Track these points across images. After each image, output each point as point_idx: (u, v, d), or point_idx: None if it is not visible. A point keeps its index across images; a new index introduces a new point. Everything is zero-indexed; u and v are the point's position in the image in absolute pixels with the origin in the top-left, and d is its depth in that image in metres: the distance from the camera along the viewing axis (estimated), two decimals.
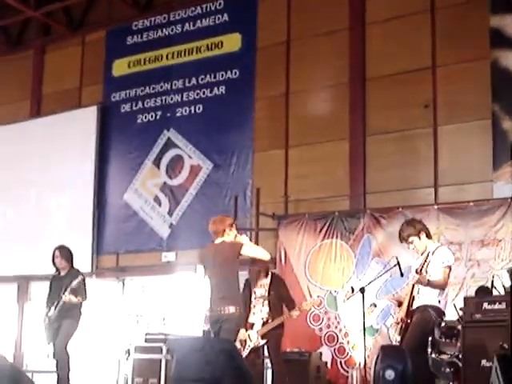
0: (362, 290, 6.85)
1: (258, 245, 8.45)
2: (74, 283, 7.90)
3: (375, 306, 9.29)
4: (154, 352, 8.98)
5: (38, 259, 11.50)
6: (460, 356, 6.52)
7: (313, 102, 11.20)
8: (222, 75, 11.99)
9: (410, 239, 6.75)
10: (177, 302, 11.82)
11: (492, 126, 9.60)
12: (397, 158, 10.29)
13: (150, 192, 12.45)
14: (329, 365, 9.47)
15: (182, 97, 12.36)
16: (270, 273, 8.25)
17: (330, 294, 9.89)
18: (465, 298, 6.86)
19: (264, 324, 7.97)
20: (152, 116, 12.65)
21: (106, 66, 13.40)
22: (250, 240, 7.69)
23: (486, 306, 6.32)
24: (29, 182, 13.42)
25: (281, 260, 10.25)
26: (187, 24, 12.55)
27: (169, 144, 12.37)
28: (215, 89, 12.03)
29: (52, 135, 13.39)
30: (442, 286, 6.57)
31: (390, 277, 8.73)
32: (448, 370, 6.82)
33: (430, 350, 6.63)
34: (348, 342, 9.64)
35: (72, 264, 8.35)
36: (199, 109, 12.16)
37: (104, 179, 12.92)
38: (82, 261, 11.33)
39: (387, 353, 6.02)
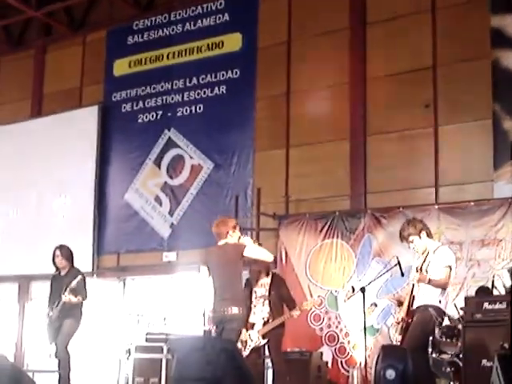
0: (363, 290, 6.86)
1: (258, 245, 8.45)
2: (74, 283, 7.90)
3: (376, 305, 9.29)
4: (154, 351, 8.98)
5: (39, 259, 11.50)
6: (460, 356, 6.52)
7: (313, 101, 11.20)
8: (223, 75, 11.99)
9: (411, 238, 6.75)
10: (178, 302, 11.83)
11: (492, 125, 9.61)
12: (397, 158, 10.30)
13: (150, 192, 12.45)
14: (329, 364, 9.48)
15: (182, 96, 12.36)
16: (270, 272, 8.26)
17: (331, 293, 9.89)
18: (465, 298, 6.86)
19: (265, 324, 7.98)
20: (153, 116, 12.66)
21: (106, 65, 13.41)
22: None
23: (486, 305, 6.32)
24: (29, 181, 13.42)
25: (281, 260, 10.26)
26: (188, 24, 12.56)
27: (169, 144, 12.38)
28: (216, 88, 12.03)
29: (53, 135, 13.40)
30: (443, 286, 6.57)
31: (390, 276, 8.73)
32: (449, 369, 6.83)
33: (430, 349, 6.63)
34: (349, 342, 9.64)
35: (72, 263, 8.35)
36: (200, 108, 12.17)
37: (105, 179, 12.92)
38: (83, 260, 11.34)
39: (388, 352, 6.02)
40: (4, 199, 13.76)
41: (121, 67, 13.22)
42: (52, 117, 13.64)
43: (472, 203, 9.15)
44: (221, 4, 12.24)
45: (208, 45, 12.24)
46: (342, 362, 9.65)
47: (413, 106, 10.28)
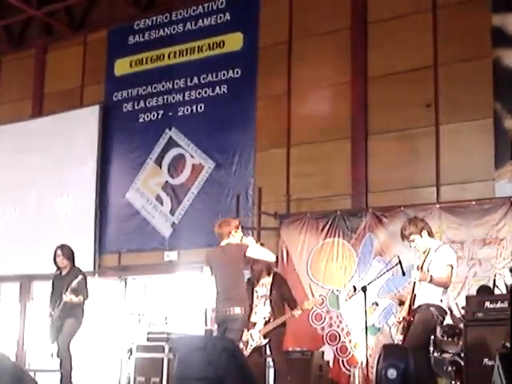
0: (364, 289, 6.87)
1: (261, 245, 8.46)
2: (74, 283, 7.90)
3: (377, 304, 9.27)
4: (156, 351, 8.98)
5: (40, 258, 11.52)
6: (462, 355, 6.53)
7: (314, 101, 11.19)
8: (224, 74, 12.00)
9: (412, 237, 6.76)
10: (179, 301, 11.84)
11: (494, 124, 9.60)
12: (398, 157, 10.30)
13: (151, 191, 12.46)
14: (331, 364, 9.48)
15: (183, 96, 12.37)
16: (271, 272, 8.26)
17: (332, 292, 9.89)
18: (467, 297, 6.86)
19: (266, 323, 7.98)
20: (154, 115, 12.66)
21: (107, 65, 13.41)
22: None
23: (487, 304, 6.32)
24: (30, 181, 13.42)
25: (283, 259, 10.26)
26: (189, 23, 12.56)
27: (171, 143, 12.38)
28: (217, 88, 12.03)
29: (54, 135, 13.40)
30: (444, 285, 6.57)
31: (391, 276, 8.72)
32: (450, 368, 6.84)
33: (432, 348, 6.64)
34: (350, 341, 9.64)
35: (73, 263, 8.36)
36: (201, 108, 12.17)
37: (106, 178, 12.93)
38: (85, 260, 11.38)
39: (389, 352, 6.02)
40: (5, 199, 13.77)
41: (122, 67, 13.23)
42: (53, 116, 13.65)
43: (473, 202, 9.15)
44: (222, 3, 12.24)
45: (209, 44, 12.24)
46: (343, 361, 9.65)
47: (414, 106, 10.28)
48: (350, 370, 9.50)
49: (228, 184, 11.65)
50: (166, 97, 12.57)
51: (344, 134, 10.79)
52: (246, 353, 7.75)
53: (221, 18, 12.22)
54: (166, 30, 12.82)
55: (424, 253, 6.70)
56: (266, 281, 8.17)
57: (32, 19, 14.22)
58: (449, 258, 6.66)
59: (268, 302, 8.07)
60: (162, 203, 12.31)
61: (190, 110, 12.26)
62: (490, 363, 5.89)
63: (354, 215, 10.01)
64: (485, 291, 7.92)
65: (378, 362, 5.94)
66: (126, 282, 12.66)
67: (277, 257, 9.86)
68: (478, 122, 9.79)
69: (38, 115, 14.08)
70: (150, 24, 13.02)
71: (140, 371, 9.05)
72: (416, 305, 6.59)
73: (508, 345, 5.57)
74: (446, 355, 7.10)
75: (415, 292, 6.61)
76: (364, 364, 8.49)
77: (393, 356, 5.91)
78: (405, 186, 10.12)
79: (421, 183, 10.08)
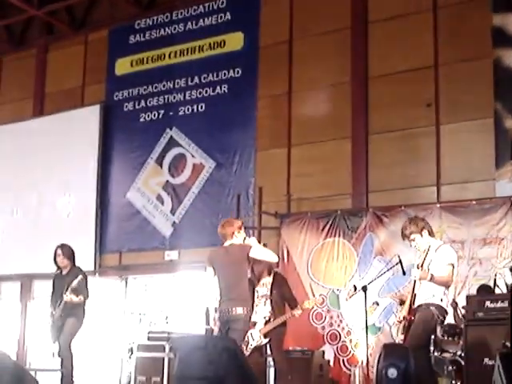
0: (365, 289, 6.87)
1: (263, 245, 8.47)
2: (75, 283, 7.90)
3: (377, 304, 9.29)
4: (156, 350, 8.99)
5: (41, 258, 11.52)
6: (462, 354, 6.53)
7: (315, 100, 11.20)
8: (225, 74, 12.00)
9: (412, 237, 6.76)
10: (179, 301, 11.84)
11: (494, 124, 9.61)
12: (399, 157, 10.30)
13: (152, 191, 12.47)
14: (331, 363, 9.49)
15: (184, 96, 12.37)
16: (272, 272, 8.28)
17: (333, 292, 9.91)
18: (467, 297, 6.86)
19: (266, 323, 8.00)
20: (155, 115, 12.67)
21: (108, 64, 13.42)
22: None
23: (488, 304, 6.32)
24: (31, 181, 13.43)
25: (283, 259, 10.26)
26: (190, 23, 12.56)
27: (171, 143, 12.39)
28: (218, 88, 12.04)
29: (55, 134, 13.40)
30: (446, 284, 6.58)
31: (392, 275, 8.74)
32: (450, 368, 6.84)
33: (432, 348, 6.64)
34: (350, 341, 9.65)
35: (74, 262, 8.36)
36: (202, 107, 12.18)
37: (107, 178, 12.93)
38: (85, 259, 11.40)
39: (390, 351, 6.03)
40: (6, 198, 13.78)
41: (122, 66, 13.23)
42: (54, 116, 13.65)
43: (474, 202, 9.16)
44: (222, 3, 12.25)
45: (210, 44, 12.25)
46: (343, 360, 9.66)
47: (414, 105, 10.28)
48: (350, 370, 9.51)
49: (229, 184, 11.65)
50: (166, 96, 12.58)
51: (344, 134, 10.79)
52: (247, 352, 7.76)
53: (221, 17, 12.23)
54: (166, 29, 12.83)
55: (424, 252, 6.70)
56: (267, 280, 8.18)
57: (33, 19, 14.23)
58: (450, 257, 6.66)
59: (268, 301, 8.08)
60: (162, 203, 12.32)
61: (190, 110, 12.27)
62: (490, 363, 5.89)
63: (355, 215, 10.02)
64: (485, 291, 7.93)
65: (379, 361, 5.94)
66: (126, 282, 12.67)
67: (277, 256, 9.89)
68: (478, 122, 9.79)
69: (39, 115, 14.09)
70: (150, 23, 13.03)
71: (141, 370, 9.06)
72: (416, 304, 6.59)
73: (508, 344, 5.57)
74: (446, 355, 7.10)
75: (415, 291, 6.61)
76: (364, 363, 8.49)
77: (393, 355, 5.91)
78: (405, 185, 10.12)
79: (421, 183, 10.08)
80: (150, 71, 12.87)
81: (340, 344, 9.72)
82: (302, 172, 11.05)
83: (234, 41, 12.01)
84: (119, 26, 13.43)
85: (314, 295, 9.54)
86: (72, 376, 8.00)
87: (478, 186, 9.56)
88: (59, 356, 8.06)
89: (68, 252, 8.34)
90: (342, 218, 10.03)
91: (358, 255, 9.80)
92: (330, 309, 9.86)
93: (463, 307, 6.82)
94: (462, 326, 6.53)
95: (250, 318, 7.78)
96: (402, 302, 7.05)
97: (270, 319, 8.01)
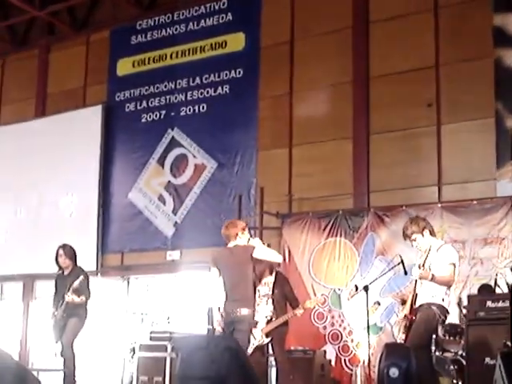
0: (366, 288, 6.88)
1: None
2: (76, 283, 7.91)
3: (379, 304, 9.31)
4: (158, 350, 9.01)
5: (43, 258, 11.51)
6: (464, 354, 6.54)
7: (316, 100, 11.21)
8: (226, 74, 12.01)
9: (414, 237, 6.76)
10: (181, 301, 11.86)
11: (495, 124, 9.62)
12: (400, 157, 10.31)
13: (154, 191, 12.48)
14: (333, 363, 9.51)
15: (186, 96, 12.39)
16: (274, 271, 8.29)
17: (334, 292, 9.92)
18: (468, 296, 6.88)
19: (268, 322, 8.01)
20: (156, 115, 12.69)
21: (110, 65, 13.44)
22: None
23: (489, 303, 6.34)
24: (33, 181, 13.45)
25: (285, 258, 10.24)
26: (191, 23, 12.58)
27: (173, 143, 12.40)
28: (219, 88, 12.05)
29: (56, 135, 13.43)
30: (447, 284, 6.58)
31: (393, 275, 8.73)
32: (452, 367, 6.87)
33: (433, 347, 6.65)
34: (352, 340, 9.66)
35: (75, 262, 8.36)
36: (203, 108, 12.19)
37: (108, 178, 12.95)
38: (87, 259, 11.42)
39: (391, 351, 6.04)
40: (8, 199, 13.80)
41: (124, 67, 13.25)
42: (56, 116, 13.68)
43: (475, 202, 9.17)
44: (224, 4, 12.26)
45: (211, 44, 12.26)
46: (345, 360, 9.67)
47: (415, 105, 10.29)
48: (351, 369, 9.52)
49: (230, 184, 11.67)
50: (168, 97, 12.60)
51: (345, 134, 10.81)
52: (248, 352, 7.77)
53: (223, 18, 12.24)
54: (168, 30, 12.84)
55: (425, 252, 6.71)
56: (269, 280, 8.19)
57: (35, 19, 14.26)
58: (451, 256, 6.67)
59: (270, 301, 8.09)
60: (164, 203, 12.33)
61: (192, 110, 12.28)
62: (491, 362, 5.90)
63: (356, 215, 10.03)
64: (486, 290, 7.95)
65: (380, 361, 5.95)
66: (128, 282, 12.69)
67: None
68: (479, 122, 9.80)
69: (41, 115, 14.11)
70: (152, 24, 13.04)
71: (143, 370, 9.08)
72: (418, 304, 6.60)
73: (509, 344, 5.59)
74: (447, 354, 7.13)
75: (417, 291, 6.62)
76: (366, 363, 8.52)
77: (395, 355, 5.92)
78: (406, 185, 10.13)
79: (422, 183, 10.09)
80: (152, 72, 12.89)
81: (341, 344, 9.72)
82: (303, 172, 11.06)
83: (236, 41, 12.02)
84: (121, 27, 13.45)
85: (315, 295, 9.55)
86: (74, 376, 8.01)
87: (479, 186, 9.57)
88: (61, 356, 8.07)
89: (70, 252, 8.35)
90: (343, 218, 10.04)
91: (360, 255, 9.81)
92: (331, 308, 9.87)
93: (464, 307, 6.83)
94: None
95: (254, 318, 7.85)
96: (403, 302, 7.06)
97: (271, 318, 8.02)
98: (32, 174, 13.48)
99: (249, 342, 7.16)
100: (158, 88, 12.72)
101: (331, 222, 10.11)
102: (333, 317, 9.86)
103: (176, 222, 12.13)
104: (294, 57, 11.51)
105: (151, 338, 9.24)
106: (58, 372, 8.50)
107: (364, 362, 9.07)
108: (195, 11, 12.57)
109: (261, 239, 9.73)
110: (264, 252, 7.01)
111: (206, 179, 11.94)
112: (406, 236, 6.87)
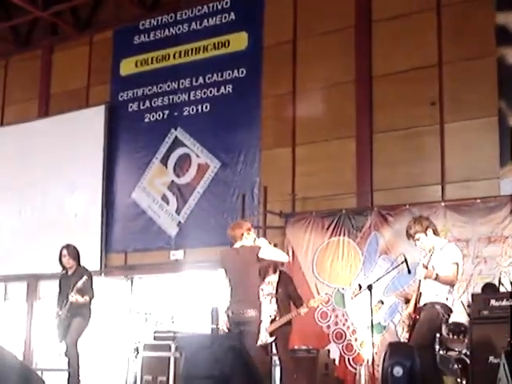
0: (370, 288, 6.88)
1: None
2: (80, 283, 7.93)
3: (383, 303, 9.31)
4: (162, 350, 9.00)
5: (47, 258, 11.55)
6: (468, 353, 6.54)
7: (319, 100, 11.21)
8: (229, 74, 12.02)
9: (417, 236, 6.76)
10: (185, 300, 11.87)
11: (498, 122, 9.61)
12: (403, 156, 10.31)
13: (157, 191, 12.49)
14: (337, 362, 9.51)
15: (189, 96, 12.39)
16: (277, 270, 8.29)
17: (338, 291, 9.92)
18: (472, 295, 6.88)
19: (272, 321, 8.01)
20: (159, 115, 12.69)
21: (113, 65, 13.45)
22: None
23: (493, 302, 6.34)
24: (37, 181, 13.48)
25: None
26: (194, 23, 12.59)
27: (176, 143, 12.41)
28: (222, 88, 12.06)
29: (60, 135, 13.45)
30: (451, 283, 6.58)
31: (397, 274, 8.74)
32: (456, 366, 6.86)
33: (437, 346, 6.65)
34: (356, 339, 9.66)
35: (79, 262, 8.38)
36: (206, 107, 12.20)
37: (112, 178, 12.97)
38: (91, 259, 11.43)
39: (395, 350, 6.04)
40: (12, 199, 13.82)
41: (127, 67, 13.26)
42: (59, 117, 13.69)
43: (478, 200, 9.17)
44: (226, 3, 12.26)
45: (214, 44, 12.27)
46: (349, 359, 9.67)
47: (418, 104, 10.28)
48: (355, 368, 9.52)
49: (233, 183, 11.67)
50: (171, 97, 12.61)
51: (349, 133, 10.81)
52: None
53: (225, 17, 12.25)
54: (171, 29, 12.85)
55: (429, 251, 6.71)
56: (272, 279, 8.20)
57: (38, 20, 14.28)
58: (454, 256, 6.67)
59: (274, 300, 8.09)
60: (167, 203, 12.34)
61: (195, 110, 12.29)
62: (495, 361, 5.90)
63: (360, 214, 10.03)
64: (490, 289, 7.94)
65: (384, 359, 5.95)
66: (132, 281, 12.71)
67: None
68: (482, 121, 9.79)
69: (44, 115, 14.13)
70: (155, 24, 13.05)
71: (147, 370, 9.07)
72: (422, 303, 6.60)
73: None
74: (451, 353, 7.12)
75: (421, 290, 6.62)
76: (370, 362, 8.53)
77: (399, 354, 5.93)
78: (410, 184, 10.13)
79: (426, 181, 10.09)
80: (155, 71, 12.90)
81: (345, 343, 9.73)
82: (306, 171, 11.07)
83: (238, 41, 12.02)
84: (124, 27, 13.46)
85: (319, 294, 9.52)
86: (78, 375, 8.03)
87: (483, 185, 9.56)
88: (66, 356, 8.09)
89: (73, 252, 8.36)
90: (346, 217, 10.04)
91: (363, 254, 9.81)
92: (335, 308, 9.88)
93: (468, 306, 6.83)
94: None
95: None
96: (407, 301, 7.07)
97: (275, 318, 8.02)
98: (35, 174, 13.50)
99: (257, 343, 7.16)
100: (161, 88, 12.73)
101: (335, 222, 10.11)
102: (336, 316, 9.86)
103: (179, 222, 12.13)
104: (297, 56, 11.52)
105: (155, 338, 9.23)
106: (62, 372, 8.51)
107: (368, 361, 9.08)
108: (198, 11, 12.58)
109: (266, 239, 9.77)
110: (270, 252, 7.01)
111: (210, 179, 11.95)
112: (409, 236, 6.87)
